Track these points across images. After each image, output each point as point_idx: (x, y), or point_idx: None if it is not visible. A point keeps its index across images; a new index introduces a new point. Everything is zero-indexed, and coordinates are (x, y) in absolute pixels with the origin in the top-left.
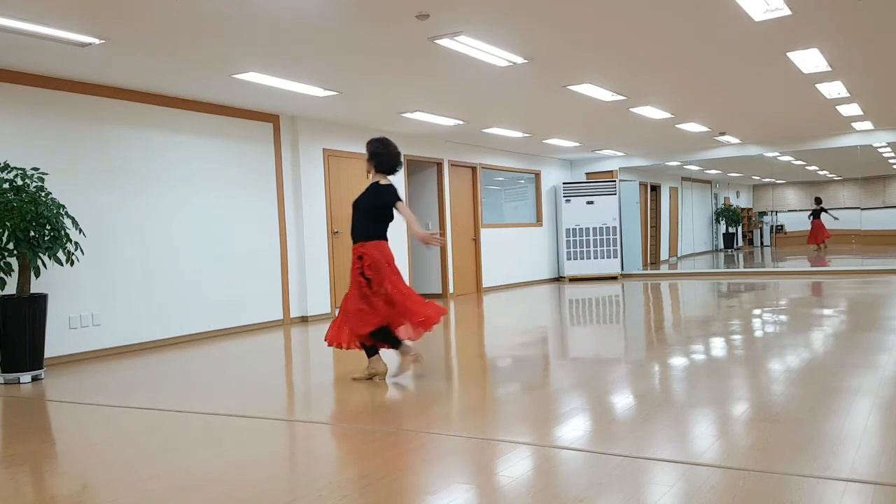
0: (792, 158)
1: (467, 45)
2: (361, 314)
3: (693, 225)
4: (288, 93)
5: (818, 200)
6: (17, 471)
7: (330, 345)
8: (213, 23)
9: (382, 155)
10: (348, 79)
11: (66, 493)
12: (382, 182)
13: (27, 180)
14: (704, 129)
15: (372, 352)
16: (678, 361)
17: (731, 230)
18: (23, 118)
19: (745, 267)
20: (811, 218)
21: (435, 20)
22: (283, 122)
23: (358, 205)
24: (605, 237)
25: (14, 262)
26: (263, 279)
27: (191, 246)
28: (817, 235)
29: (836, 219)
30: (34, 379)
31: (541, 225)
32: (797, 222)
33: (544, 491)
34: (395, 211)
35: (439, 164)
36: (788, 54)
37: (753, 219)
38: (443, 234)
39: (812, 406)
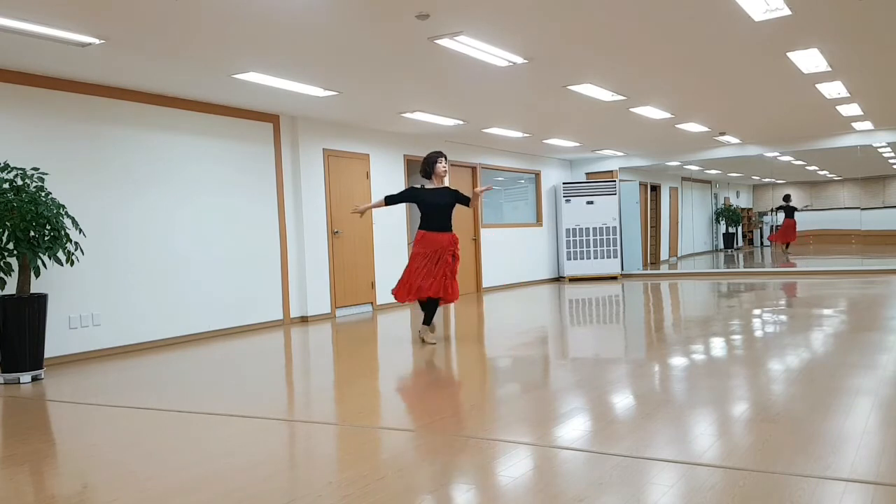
0: (792, 158)
1: (467, 45)
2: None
3: (693, 225)
4: (288, 93)
5: (787, 198)
6: (17, 471)
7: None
8: (213, 23)
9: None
10: (348, 79)
11: (66, 493)
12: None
13: (27, 180)
14: (704, 129)
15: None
16: (678, 361)
17: (731, 230)
18: (23, 118)
19: (745, 267)
20: (781, 215)
21: (435, 20)
22: (283, 122)
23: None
24: (605, 237)
25: (14, 262)
26: (263, 279)
27: (191, 246)
28: (785, 234)
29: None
30: (34, 379)
31: (541, 225)
32: (797, 222)
33: (544, 491)
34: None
35: None
36: (788, 54)
37: (753, 219)
38: None
39: (812, 406)
